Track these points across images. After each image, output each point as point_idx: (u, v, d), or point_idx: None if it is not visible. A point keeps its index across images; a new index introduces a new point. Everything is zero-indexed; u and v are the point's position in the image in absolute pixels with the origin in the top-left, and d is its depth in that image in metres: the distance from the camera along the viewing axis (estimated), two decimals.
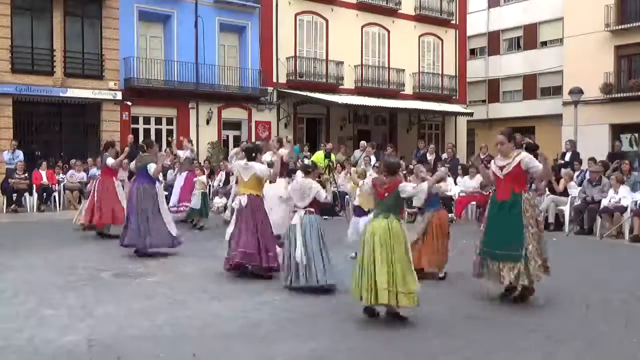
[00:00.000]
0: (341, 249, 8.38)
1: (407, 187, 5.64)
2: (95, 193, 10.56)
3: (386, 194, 5.60)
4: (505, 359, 4.63)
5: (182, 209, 12.22)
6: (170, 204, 12.40)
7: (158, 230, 8.71)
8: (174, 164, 15.36)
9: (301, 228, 6.64)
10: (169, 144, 18.64)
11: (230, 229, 7.42)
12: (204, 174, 12.76)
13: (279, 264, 7.14)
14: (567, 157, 15.24)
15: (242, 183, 7.50)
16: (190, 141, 14.20)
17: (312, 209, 6.79)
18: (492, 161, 6.54)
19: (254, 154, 7.54)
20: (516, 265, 5.96)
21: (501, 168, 6.24)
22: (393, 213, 5.56)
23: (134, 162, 9.55)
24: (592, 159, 13.87)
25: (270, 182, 8.07)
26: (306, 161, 8.24)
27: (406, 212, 10.92)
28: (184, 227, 11.30)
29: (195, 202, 11.96)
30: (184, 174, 12.61)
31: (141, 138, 21.38)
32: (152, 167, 8.78)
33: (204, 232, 11.54)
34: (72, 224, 11.23)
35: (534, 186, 10.90)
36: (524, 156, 6.17)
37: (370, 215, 5.80)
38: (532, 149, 15.55)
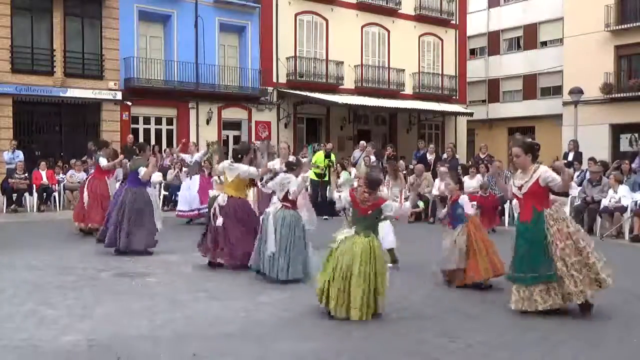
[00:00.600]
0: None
1: (391, 207, 5.72)
2: (86, 194, 10.55)
3: (369, 212, 5.60)
4: (505, 358, 4.63)
5: (204, 211, 12.18)
6: (185, 207, 12.38)
7: (138, 232, 8.74)
8: (174, 165, 15.35)
9: (273, 221, 6.81)
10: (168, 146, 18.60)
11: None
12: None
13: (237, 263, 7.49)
14: (570, 157, 15.23)
15: (226, 182, 7.74)
16: (195, 144, 14.17)
17: (287, 204, 6.96)
18: (512, 179, 6.10)
19: (240, 155, 7.70)
20: (551, 286, 5.60)
21: (520, 187, 5.82)
22: (373, 231, 5.65)
23: (128, 163, 9.63)
24: (592, 159, 13.86)
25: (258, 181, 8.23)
26: (291, 158, 8.31)
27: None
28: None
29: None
30: (196, 177, 12.58)
31: (141, 138, 21.44)
32: (142, 171, 8.81)
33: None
34: (75, 230, 11.04)
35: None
36: (542, 172, 5.70)
37: (346, 229, 5.76)
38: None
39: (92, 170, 11.47)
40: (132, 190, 8.88)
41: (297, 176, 7.14)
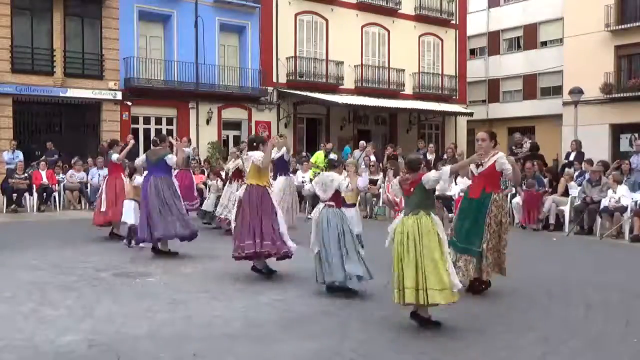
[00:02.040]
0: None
1: (430, 176, 5.40)
2: (105, 193, 10.49)
3: (412, 189, 5.46)
4: (505, 358, 4.63)
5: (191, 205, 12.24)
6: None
7: (178, 218, 8.60)
8: None
9: (319, 222, 6.57)
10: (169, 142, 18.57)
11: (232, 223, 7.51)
12: (220, 178, 12.70)
13: (278, 252, 7.13)
14: (572, 157, 15.19)
15: (247, 174, 7.55)
16: (189, 140, 14.15)
17: (332, 203, 6.69)
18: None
19: (254, 144, 7.55)
20: (471, 259, 6.36)
21: (477, 166, 6.45)
22: (423, 208, 5.36)
23: (138, 158, 9.55)
24: (588, 161, 13.73)
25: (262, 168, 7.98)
26: (332, 156, 8.23)
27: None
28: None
29: (210, 204, 12.00)
30: (175, 172, 12.57)
31: (141, 138, 21.44)
32: (172, 158, 8.78)
33: (205, 233, 11.51)
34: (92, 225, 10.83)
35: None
36: (499, 157, 6.37)
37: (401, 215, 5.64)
38: (536, 149, 15.51)
39: (105, 170, 11.44)
40: (158, 179, 8.68)
41: (340, 174, 6.90)
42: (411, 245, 5.24)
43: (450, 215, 12.08)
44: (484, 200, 6.35)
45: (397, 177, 5.86)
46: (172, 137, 12.13)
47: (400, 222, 5.45)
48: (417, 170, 5.59)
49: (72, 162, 16.96)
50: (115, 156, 10.50)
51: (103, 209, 10.35)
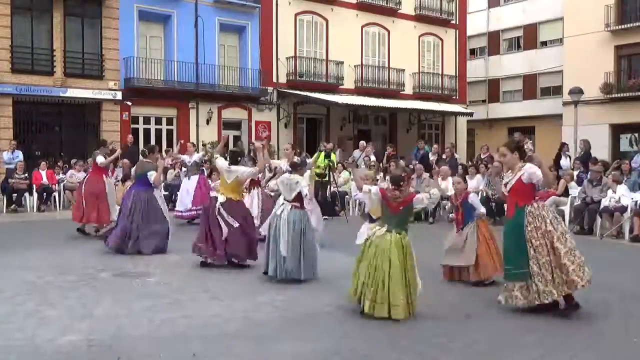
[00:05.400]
0: (342, 249, 8.37)
1: (421, 199, 5.70)
2: (83, 192, 10.54)
3: (401, 208, 5.64)
4: (505, 358, 4.63)
5: (200, 211, 12.19)
6: (181, 207, 12.40)
7: (149, 234, 8.79)
8: (174, 165, 15.35)
9: (286, 222, 6.87)
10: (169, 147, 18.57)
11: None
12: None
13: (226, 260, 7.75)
14: (579, 156, 15.19)
15: (223, 184, 7.89)
16: (194, 145, 14.12)
17: (297, 204, 7.03)
18: (503, 178, 6.21)
19: (238, 158, 7.98)
20: (529, 283, 5.65)
21: (506, 185, 5.97)
22: (404, 229, 5.66)
23: (134, 167, 9.59)
24: (592, 160, 13.80)
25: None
26: (296, 159, 8.40)
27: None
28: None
29: None
30: (195, 177, 12.57)
31: (141, 138, 21.45)
32: (152, 176, 8.83)
33: None
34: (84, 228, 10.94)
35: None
36: (527, 169, 5.77)
37: (376, 226, 5.79)
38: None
39: (118, 170, 11.50)
40: (140, 192, 8.87)
41: (301, 175, 7.22)
42: (400, 265, 5.48)
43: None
44: (517, 217, 5.76)
45: (378, 187, 6.01)
46: (172, 137, 12.13)
47: (382, 237, 5.61)
48: (402, 186, 5.66)
49: (72, 162, 16.96)
50: (100, 159, 10.51)
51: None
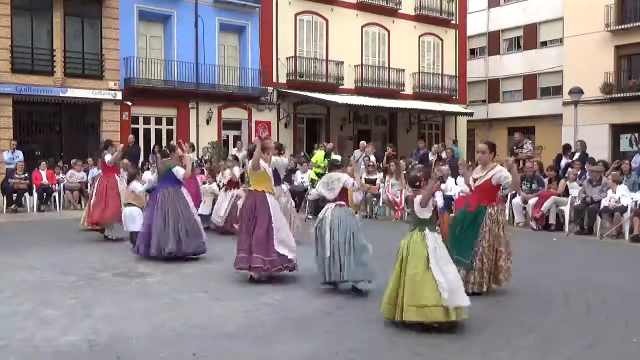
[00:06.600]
0: None
1: (416, 201, 5.54)
2: (96, 192, 10.49)
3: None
4: (505, 358, 4.63)
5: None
6: None
7: (194, 232, 8.47)
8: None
9: (329, 222, 6.47)
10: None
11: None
12: (215, 180, 12.67)
13: (269, 269, 6.99)
14: (576, 157, 15.15)
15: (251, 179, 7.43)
16: (192, 145, 14.08)
17: (342, 202, 6.65)
18: (474, 170, 6.65)
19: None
20: (469, 272, 6.23)
21: (475, 180, 6.40)
22: (427, 224, 5.43)
23: (147, 173, 9.51)
24: (590, 160, 13.75)
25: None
26: (334, 157, 8.23)
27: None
28: None
29: (205, 208, 11.97)
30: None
31: (141, 138, 21.44)
32: (180, 171, 8.56)
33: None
34: (80, 226, 10.74)
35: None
36: (496, 172, 6.26)
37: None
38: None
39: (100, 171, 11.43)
40: (168, 190, 8.52)
41: (343, 173, 6.92)
42: (418, 261, 5.24)
43: (451, 215, 12.07)
44: (478, 214, 6.27)
45: (404, 195, 5.95)
46: (172, 137, 12.13)
47: (406, 238, 5.44)
48: (418, 187, 5.59)
49: (72, 162, 16.96)
50: (107, 157, 10.49)
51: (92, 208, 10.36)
